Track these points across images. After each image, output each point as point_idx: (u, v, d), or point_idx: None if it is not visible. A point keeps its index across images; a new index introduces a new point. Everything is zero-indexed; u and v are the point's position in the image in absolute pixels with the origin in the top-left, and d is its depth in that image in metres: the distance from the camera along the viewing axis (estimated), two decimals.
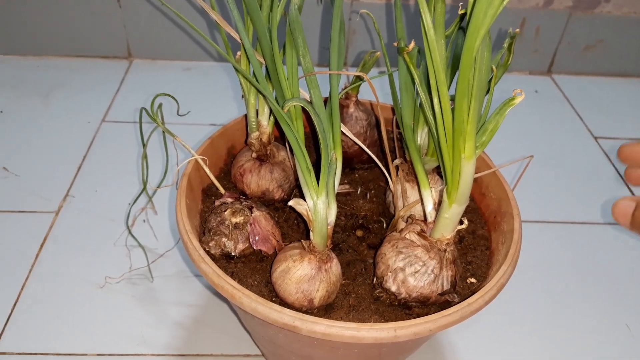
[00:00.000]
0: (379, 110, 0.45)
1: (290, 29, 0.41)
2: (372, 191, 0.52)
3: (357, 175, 0.54)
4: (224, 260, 0.43)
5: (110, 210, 0.69)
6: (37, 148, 0.78)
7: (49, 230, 0.66)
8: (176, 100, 0.52)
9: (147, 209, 0.68)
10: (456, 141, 0.35)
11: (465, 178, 0.36)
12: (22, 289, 0.59)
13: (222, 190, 0.47)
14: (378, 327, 0.35)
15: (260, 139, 0.48)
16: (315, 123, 0.38)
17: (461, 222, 0.39)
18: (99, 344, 0.54)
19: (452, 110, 0.35)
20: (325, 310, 0.40)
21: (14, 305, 0.57)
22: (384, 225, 0.48)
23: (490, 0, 0.31)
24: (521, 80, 1.04)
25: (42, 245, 0.64)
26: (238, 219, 0.43)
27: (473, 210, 0.50)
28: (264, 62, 0.44)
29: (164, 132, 0.48)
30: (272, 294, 0.41)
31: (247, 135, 0.49)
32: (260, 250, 0.43)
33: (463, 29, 0.44)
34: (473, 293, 0.38)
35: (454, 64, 0.44)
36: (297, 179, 0.50)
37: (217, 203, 0.45)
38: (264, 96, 0.45)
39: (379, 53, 0.48)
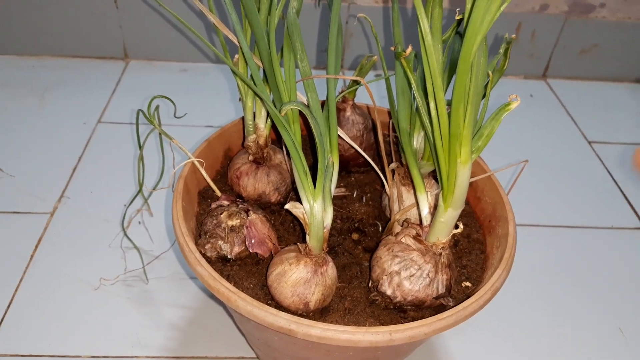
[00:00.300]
0: (376, 114, 0.46)
1: (289, 33, 0.41)
2: (368, 195, 0.52)
3: (353, 178, 0.54)
4: (220, 263, 0.43)
5: (106, 212, 0.68)
6: (32, 148, 0.78)
7: (44, 231, 0.66)
8: (173, 103, 0.52)
9: (143, 211, 0.68)
10: (452, 146, 0.36)
11: (461, 182, 0.36)
12: (16, 290, 0.58)
13: (218, 193, 0.47)
14: (373, 331, 0.35)
15: (257, 141, 0.48)
16: (313, 126, 0.38)
17: (456, 226, 0.40)
18: (93, 345, 0.54)
19: (449, 114, 0.35)
20: (321, 313, 0.40)
21: (8, 306, 0.57)
22: (380, 228, 0.49)
23: (488, 7, 0.31)
24: (516, 84, 1.05)
25: (36, 246, 0.64)
26: (234, 221, 0.43)
27: (468, 214, 0.50)
28: (261, 65, 0.44)
29: (160, 134, 0.48)
30: (268, 297, 0.41)
31: (244, 137, 0.49)
32: (257, 253, 0.43)
33: (460, 34, 0.44)
34: (468, 297, 0.39)
35: (450, 69, 0.44)
36: (293, 182, 0.50)
37: (214, 206, 0.45)
38: (261, 99, 0.45)
39: (376, 57, 0.48)
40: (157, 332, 0.56)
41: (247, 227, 0.43)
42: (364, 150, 0.51)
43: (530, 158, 0.84)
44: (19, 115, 0.84)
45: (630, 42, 1.03)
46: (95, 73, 0.96)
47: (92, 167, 0.76)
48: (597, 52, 1.04)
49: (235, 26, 0.43)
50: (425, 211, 0.42)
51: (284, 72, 0.42)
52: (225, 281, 0.38)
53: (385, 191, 0.49)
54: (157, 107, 0.49)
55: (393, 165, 0.47)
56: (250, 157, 0.49)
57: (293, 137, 0.39)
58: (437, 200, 0.41)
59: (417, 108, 0.43)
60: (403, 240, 0.41)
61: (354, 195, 0.52)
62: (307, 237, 0.40)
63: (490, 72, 0.38)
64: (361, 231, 0.48)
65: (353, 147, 0.48)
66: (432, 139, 0.38)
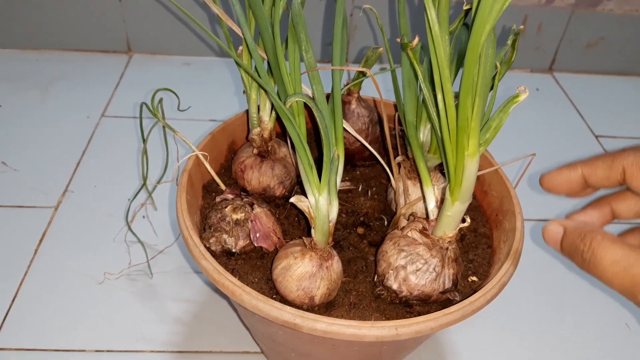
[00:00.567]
0: (382, 107, 0.45)
1: (293, 24, 0.41)
2: (374, 188, 0.51)
3: (358, 172, 0.53)
4: (225, 257, 0.43)
5: (110, 206, 0.68)
6: (35, 142, 0.78)
7: (48, 225, 0.65)
8: (177, 95, 0.52)
9: (147, 205, 0.68)
10: (460, 138, 0.35)
11: (469, 176, 0.36)
12: (20, 284, 0.58)
13: (222, 187, 0.47)
14: (379, 325, 0.35)
15: (262, 135, 0.48)
16: (318, 119, 0.38)
17: (463, 220, 0.39)
18: (97, 340, 0.54)
19: (456, 106, 0.35)
20: (326, 308, 0.40)
21: (13, 300, 0.57)
22: (385, 222, 0.48)
23: None
24: (522, 77, 1.04)
25: (41, 241, 0.63)
26: (239, 215, 0.42)
27: (474, 208, 0.50)
28: (266, 57, 0.43)
29: (164, 127, 0.48)
30: (273, 291, 0.40)
31: (248, 131, 0.49)
32: (261, 247, 0.42)
33: (467, 25, 0.43)
34: (474, 291, 0.38)
35: (457, 61, 0.43)
36: (298, 176, 0.50)
37: (218, 199, 0.45)
38: (265, 91, 0.45)
39: (381, 49, 0.48)
40: (162, 326, 0.55)
41: (251, 221, 0.42)
42: (370, 144, 0.50)
43: (536, 152, 0.83)
44: (22, 110, 0.84)
45: (637, 36, 1.01)
46: (98, 67, 0.96)
47: (96, 161, 0.75)
48: (604, 46, 1.03)
49: (239, 17, 0.42)
50: (431, 205, 0.42)
51: (288, 64, 0.42)
52: (230, 275, 0.37)
53: (391, 185, 0.48)
54: (160, 100, 0.49)
55: (399, 158, 0.47)
56: (255, 151, 0.48)
57: (298, 129, 0.39)
58: (443, 193, 0.40)
59: (423, 100, 0.42)
60: (409, 234, 0.40)
61: (359, 189, 0.51)
62: (313, 231, 0.39)
63: (498, 64, 0.37)
64: (366, 225, 0.48)
65: (358, 140, 0.48)
66: (439, 131, 0.37)
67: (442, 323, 0.36)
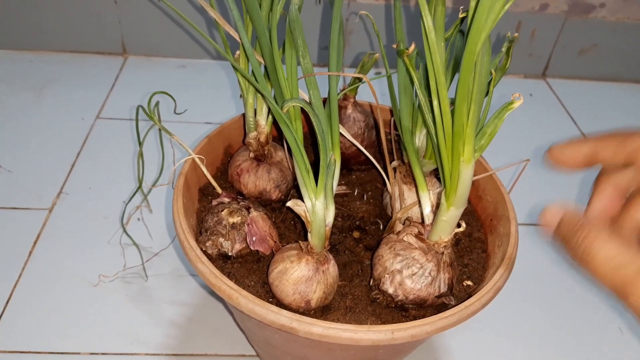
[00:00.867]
0: (378, 112, 0.45)
1: (290, 29, 0.41)
2: (369, 193, 0.52)
3: (354, 176, 0.54)
4: (221, 261, 0.43)
5: (105, 208, 0.68)
6: (30, 144, 0.78)
7: (42, 227, 0.65)
8: (173, 98, 0.52)
9: (142, 208, 0.68)
10: (455, 144, 0.36)
11: (464, 181, 0.36)
12: (14, 287, 0.58)
13: (219, 190, 0.47)
14: (375, 329, 0.35)
15: (258, 138, 0.48)
16: (315, 124, 0.38)
17: (459, 225, 0.39)
18: (92, 342, 0.54)
19: (452, 112, 0.35)
20: (322, 311, 0.40)
21: (6, 303, 0.56)
22: (381, 227, 0.48)
23: (492, 5, 0.31)
24: (516, 83, 1.05)
25: (35, 243, 0.63)
26: (235, 219, 0.43)
27: (469, 213, 0.50)
28: (263, 61, 0.44)
29: (160, 130, 0.48)
30: (269, 295, 0.41)
31: (245, 134, 0.49)
32: (258, 251, 0.43)
33: (462, 32, 0.44)
34: (469, 296, 0.39)
35: (452, 67, 0.44)
36: (294, 180, 0.50)
37: (214, 203, 0.45)
38: (262, 96, 0.45)
39: (377, 54, 0.48)
40: (157, 329, 0.55)
41: (248, 225, 0.43)
42: (366, 148, 0.50)
43: (529, 157, 0.84)
44: (17, 110, 0.84)
45: (629, 43, 1.03)
46: (93, 68, 0.96)
47: (91, 163, 0.75)
48: (597, 52, 1.04)
49: (237, 22, 0.43)
50: (427, 209, 0.42)
51: (285, 69, 0.42)
52: (226, 278, 0.37)
53: (386, 189, 0.49)
54: (157, 103, 0.49)
55: (395, 163, 0.47)
56: (251, 154, 0.49)
57: (295, 134, 0.39)
58: (439, 198, 0.41)
59: (419, 106, 0.43)
60: (405, 238, 0.40)
61: (355, 193, 0.52)
62: (309, 234, 0.39)
63: (493, 71, 0.38)
64: (362, 229, 0.48)
65: (355, 145, 0.48)
66: (435, 137, 0.38)
67: (438, 327, 0.36)
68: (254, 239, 0.42)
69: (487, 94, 0.38)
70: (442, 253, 0.39)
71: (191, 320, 0.57)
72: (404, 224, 0.43)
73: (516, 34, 0.39)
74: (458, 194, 0.37)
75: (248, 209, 0.44)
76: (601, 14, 0.99)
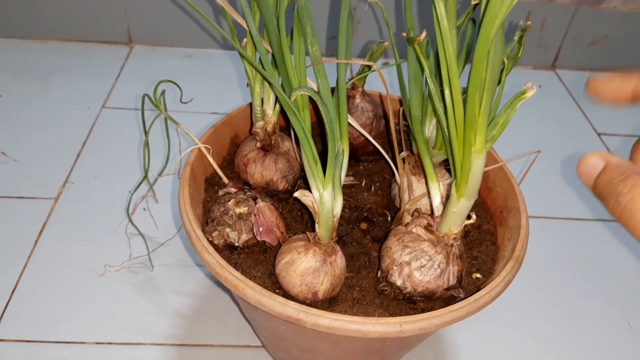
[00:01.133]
0: (388, 101, 0.45)
1: (299, 16, 0.40)
2: (377, 184, 0.51)
3: (362, 167, 0.53)
4: (227, 251, 0.42)
5: (110, 198, 0.68)
6: (36, 133, 0.77)
7: (48, 216, 0.65)
8: (179, 87, 0.52)
9: (148, 197, 0.67)
10: (467, 134, 0.35)
11: (475, 172, 0.36)
12: (20, 276, 0.58)
13: (225, 180, 0.47)
14: (383, 322, 0.34)
15: (265, 128, 0.47)
16: (323, 113, 0.37)
17: (469, 217, 0.39)
18: (97, 332, 0.54)
19: (464, 102, 0.34)
20: (329, 303, 0.40)
21: (12, 292, 0.56)
22: (389, 218, 0.48)
23: None
24: (525, 75, 1.03)
25: (41, 232, 0.63)
26: (242, 209, 0.42)
27: (479, 205, 0.50)
28: (270, 49, 0.43)
29: (166, 119, 0.48)
30: (276, 286, 0.40)
31: (252, 124, 0.48)
32: (264, 242, 0.42)
33: (474, 20, 0.43)
34: (478, 288, 0.38)
35: (463, 55, 0.43)
36: (301, 170, 0.49)
37: (221, 193, 0.45)
38: (270, 84, 0.45)
39: (387, 43, 0.47)
40: (162, 319, 0.55)
41: (255, 215, 0.42)
42: (374, 138, 0.50)
43: (539, 149, 0.83)
44: (23, 100, 0.83)
45: None
46: (99, 58, 0.95)
47: (97, 153, 0.75)
48: (607, 43, 1.03)
49: (244, 9, 0.42)
50: (437, 201, 0.42)
51: (293, 58, 0.41)
52: (233, 269, 0.37)
53: (395, 180, 0.48)
54: (163, 92, 0.48)
55: (404, 153, 0.47)
56: (258, 144, 0.48)
57: (303, 123, 0.38)
58: (449, 190, 0.40)
59: (429, 95, 0.42)
60: (414, 230, 0.40)
61: (363, 184, 0.51)
62: (316, 225, 0.39)
63: (505, 59, 0.37)
64: (370, 221, 0.47)
65: (363, 135, 0.47)
66: (445, 127, 0.37)
67: (447, 320, 0.35)
68: (260, 229, 0.42)
69: (499, 83, 0.37)
70: (452, 245, 0.39)
71: (197, 310, 0.57)
72: (412, 216, 0.42)
73: (529, 22, 0.38)
74: (469, 185, 0.36)
75: (255, 199, 0.43)
76: (612, 4, 0.97)
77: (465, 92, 0.34)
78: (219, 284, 0.59)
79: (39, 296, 0.56)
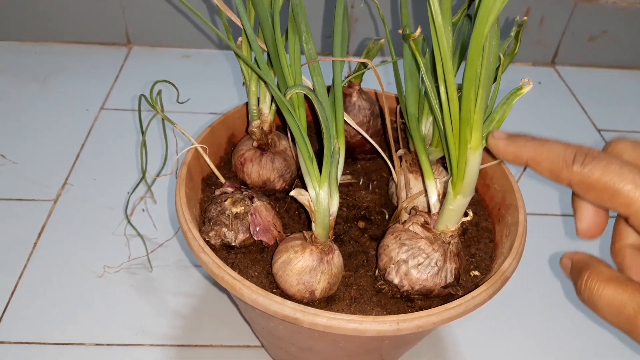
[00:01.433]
0: (383, 99, 0.44)
1: (293, 14, 0.40)
2: (375, 182, 0.51)
3: (359, 165, 0.53)
4: (224, 251, 0.42)
5: (109, 199, 0.68)
6: (34, 135, 0.77)
7: (47, 218, 0.65)
8: (176, 87, 0.51)
9: (146, 198, 0.67)
10: (462, 131, 0.35)
11: (471, 169, 0.35)
12: (19, 277, 0.58)
13: (222, 180, 0.47)
14: (381, 320, 0.34)
15: (262, 127, 0.47)
16: (318, 111, 0.37)
17: (466, 214, 0.39)
18: (97, 333, 0.54)
19: (459, 98, 0.34)
20: (327, 302, 0.39)
21: (12, 294, 0.56)
22: (386, 216, 0.48)
23: None
24: (524, 71, 1.03)
25: (40, 234, 0.63)
26: (238, 208, 0.42)
27: (477, 202, 0.49)
28: (265, 48, 0.43)
29: (163, 119, 0.47)
30: (273, 285, 0.40)
31: (248, 123, 0.48)
32: (261, 241, 0.42)
33: (469, 17, 0.43)
34: (476, 286, 0.38)
35: (459, 52, 0.43)
36: (298, 169, 0.49)
37: (218, 192, 0.45)
38: (265, 83, 0.44)
39: (383, 40, 0.47)
40: (161, 320, 0.55)
41: (251, 215, 0.42)
42: (371, 137, 0.50)
43: None
44: (21, 102, 0.83)
45: None
46: (97, 59, 0.95)
47: (95, 154, 0.75)
48: (607, 39, 1.02)
49: (239, 8, 0.42)
50: (433, 198, 0.41)
51: (288, 56, 0.41)
52: (229, 269, 0.37)
53: (392, 178, 0.48)
54: (159, 92, 0.48)
55: (401, 151, 0.46)
56: (255, 144, 0.48)
57: (298, 122, 0.38)
58: (445, 187, 0.40)
59: (425, 92, 0.42)
60: (411, 228, 0.40)
61: (360, 182, 0.51)
62: (313, 224, 0.39)
63: (501, 55, 0.37)
64: (367, 219, 0.47)
65: (360, 133, 0.47)
66: (441, 124, 0.37)
67: (444, 318, 0.35)
68: (257, 228, 0.42)
69: (495, 79, 0.37)
70: (449, 243, 0.39)
71: (196, 310, 0.57)
72: (409, 214, 0.42)
73: (525, 18, 0.38)
74: (465, 182, 0.36)
75: (251, 198, 0.43)
76: None
77: (460, 89, 0.34)
78: (217, 284, 0.59)
79: (38, 298, 0.56)
